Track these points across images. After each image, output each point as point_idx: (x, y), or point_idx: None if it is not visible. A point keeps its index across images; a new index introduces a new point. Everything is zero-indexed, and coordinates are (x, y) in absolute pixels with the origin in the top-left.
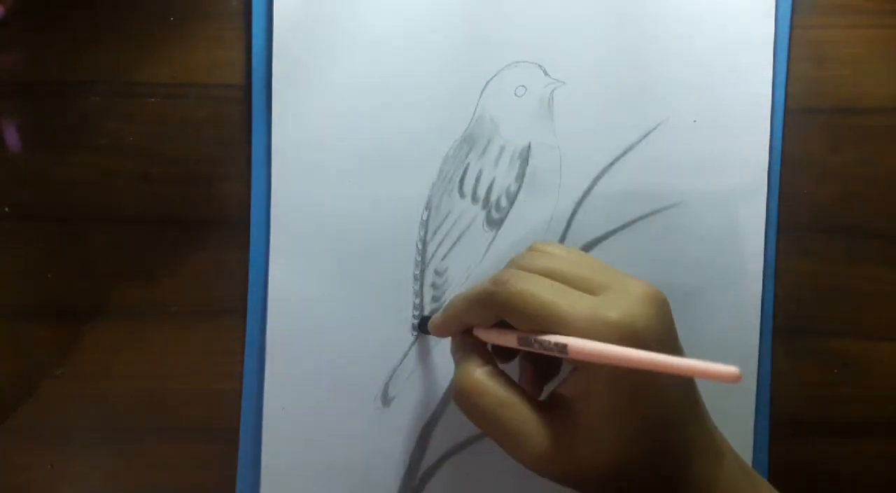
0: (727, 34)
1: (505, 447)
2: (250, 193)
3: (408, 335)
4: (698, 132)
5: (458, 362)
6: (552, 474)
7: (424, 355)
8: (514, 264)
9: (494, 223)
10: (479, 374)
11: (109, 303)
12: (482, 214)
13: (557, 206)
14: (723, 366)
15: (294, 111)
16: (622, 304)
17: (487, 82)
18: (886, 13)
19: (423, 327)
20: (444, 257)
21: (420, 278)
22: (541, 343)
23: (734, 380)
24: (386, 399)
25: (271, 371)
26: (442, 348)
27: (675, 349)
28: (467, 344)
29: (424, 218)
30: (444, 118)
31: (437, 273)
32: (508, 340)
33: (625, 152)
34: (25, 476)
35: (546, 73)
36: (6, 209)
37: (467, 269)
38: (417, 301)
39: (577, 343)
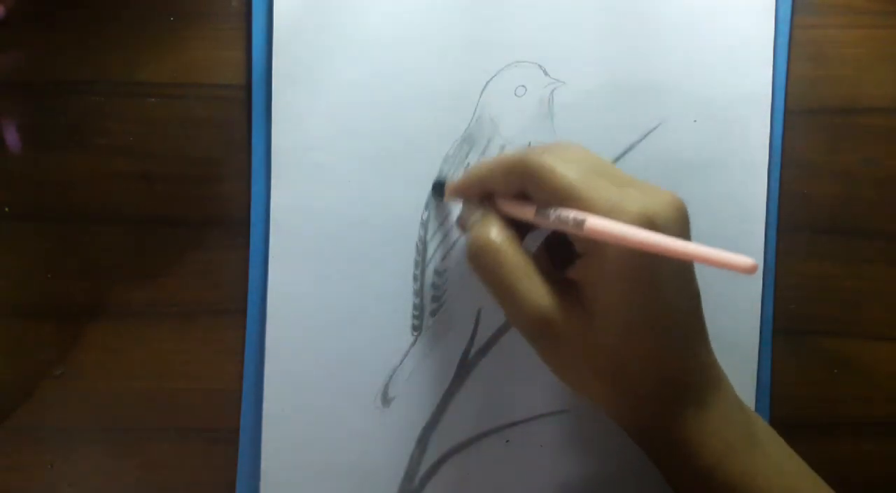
0: (727, 34)
1: (506, 306)
2: (250, 193)
3: (408, 335)
4: (698, 132)
5: (474, 222)
6: (547, 346)
7: (424, 356)
8: (544, 147)
9: None
10: (497, 235)
11: (109, 303)
12: None
13: None
14: (737, 255)
15: (294, 111)
16: (644, 199)
17: (487, 82)
18: (886, 13)
19: (437, 190)
20: (445, 257)
21: (420, 278)
22: (559, 217)
23: (749, 271)
24: (386, 400)
25: (271, 371)
26: (442, 348)
27: None
28: (487, 207)
29: (424, 218)
30: (444, 118)
31: (437, 273)
32: (526, 212)
33: (625, 152)
34: (25, 476)
35: (546, 73)
36: (6, 209)
37: (467, 268)
38: (417, 301)
39: (595, 220)
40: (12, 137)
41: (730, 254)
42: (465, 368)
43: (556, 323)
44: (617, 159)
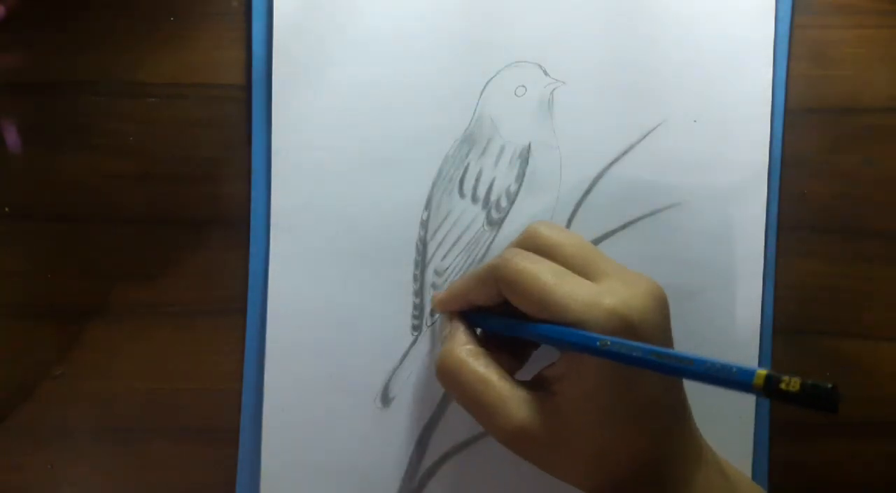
0: (727, 34)
1: (483, 422)
2: (250, 193)
3: (408, 335)
4: (698, 132)
5: (442, 340)
6: (527, 450)
7: (424, 356)
8: (517, 243)
9: (494, 223)
10: (461, 351)
11: (109, 303)
12: (482, 214)
13: (557, 206)
14: None
15: (294, 111)
16: (621, 293)
17: (487, 82)
18: (886, 13)
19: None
20: (444, 256)
21: (420, 278)
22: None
23: None
24: (386, 400)
25: (271, 371)
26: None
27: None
28: (454, 323)
29: (424, 218)
30: (444, 118)
31: (437, 273)
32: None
33: (625, 152)
34: (25, 476)
35: (546, 73)
36: (6, 209)
37: (467, 269)
38: (417, 301)
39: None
40: (12, 137)
41: None
42: None
43: (534, 428)
44: (617, 159)
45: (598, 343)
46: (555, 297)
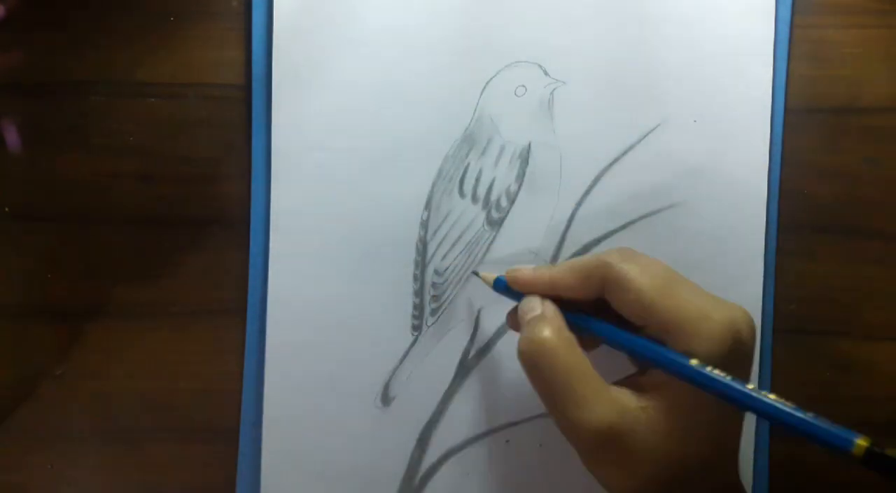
0: (727, 34)
1: (563, 413)
2: (250, 193)
3: (408, 335)
4: (698, 132)
5: (529, 320)
6: (600, 451)
7: (424, 356)
8: (620, 255)
9: (494, 223)
10: (557, 336)
11: (109, 303)
12: (482, 214)
13: (557, 206)
14: None
15: (294, 111)
16: (727, 310)
17: (487, 82)
18: (886, 13)
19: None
20: (444, 256)
21: (420, 278)
22: None
23: None
24: (386, 400)
25: (271, 371)
26: (442, 348)
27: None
28: (546, 304)
29: (424, 218)
30: (444, 118)
31: (437, 273)
32: None
33: (625, 152)
34: (25, 476)
35: (546, 73)
36: (6, 209)
37: (467, 269)
38: (417, 301)
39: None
40: (12, 137)
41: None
42: (465, 368)
43: (618, 431)
44: (617, 159)
45: (697, 371)
46: (665, 304)
